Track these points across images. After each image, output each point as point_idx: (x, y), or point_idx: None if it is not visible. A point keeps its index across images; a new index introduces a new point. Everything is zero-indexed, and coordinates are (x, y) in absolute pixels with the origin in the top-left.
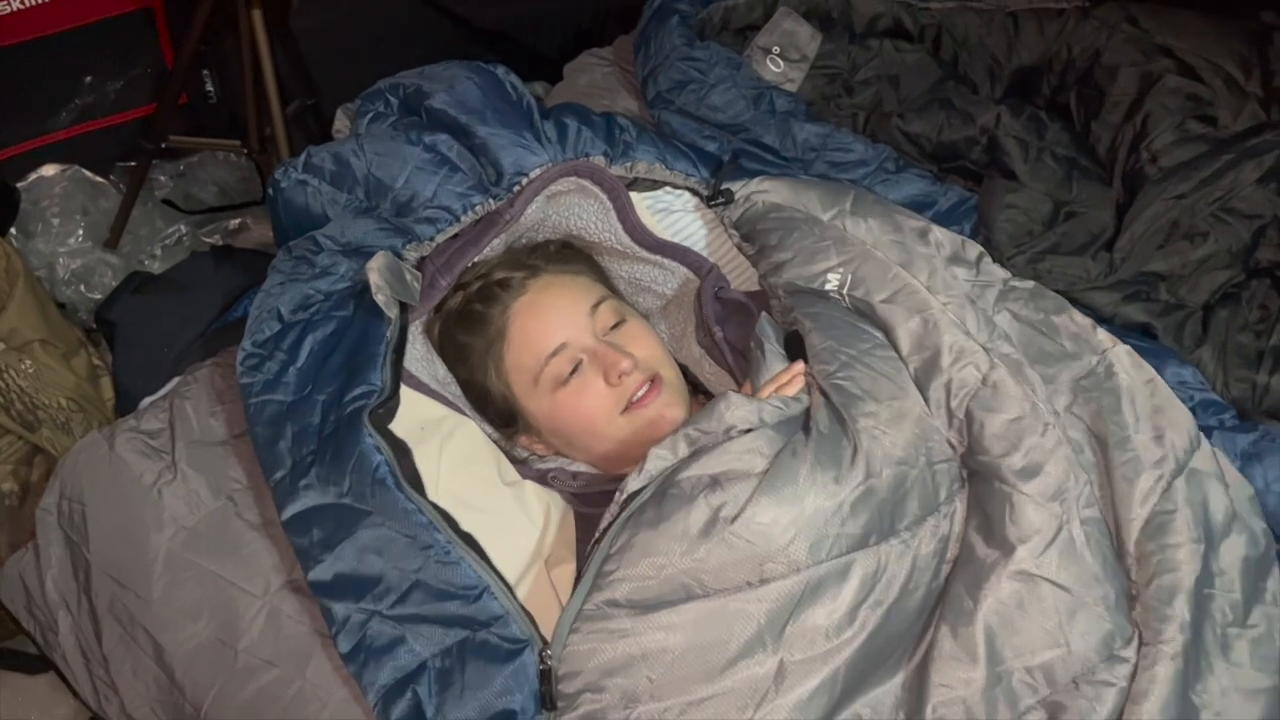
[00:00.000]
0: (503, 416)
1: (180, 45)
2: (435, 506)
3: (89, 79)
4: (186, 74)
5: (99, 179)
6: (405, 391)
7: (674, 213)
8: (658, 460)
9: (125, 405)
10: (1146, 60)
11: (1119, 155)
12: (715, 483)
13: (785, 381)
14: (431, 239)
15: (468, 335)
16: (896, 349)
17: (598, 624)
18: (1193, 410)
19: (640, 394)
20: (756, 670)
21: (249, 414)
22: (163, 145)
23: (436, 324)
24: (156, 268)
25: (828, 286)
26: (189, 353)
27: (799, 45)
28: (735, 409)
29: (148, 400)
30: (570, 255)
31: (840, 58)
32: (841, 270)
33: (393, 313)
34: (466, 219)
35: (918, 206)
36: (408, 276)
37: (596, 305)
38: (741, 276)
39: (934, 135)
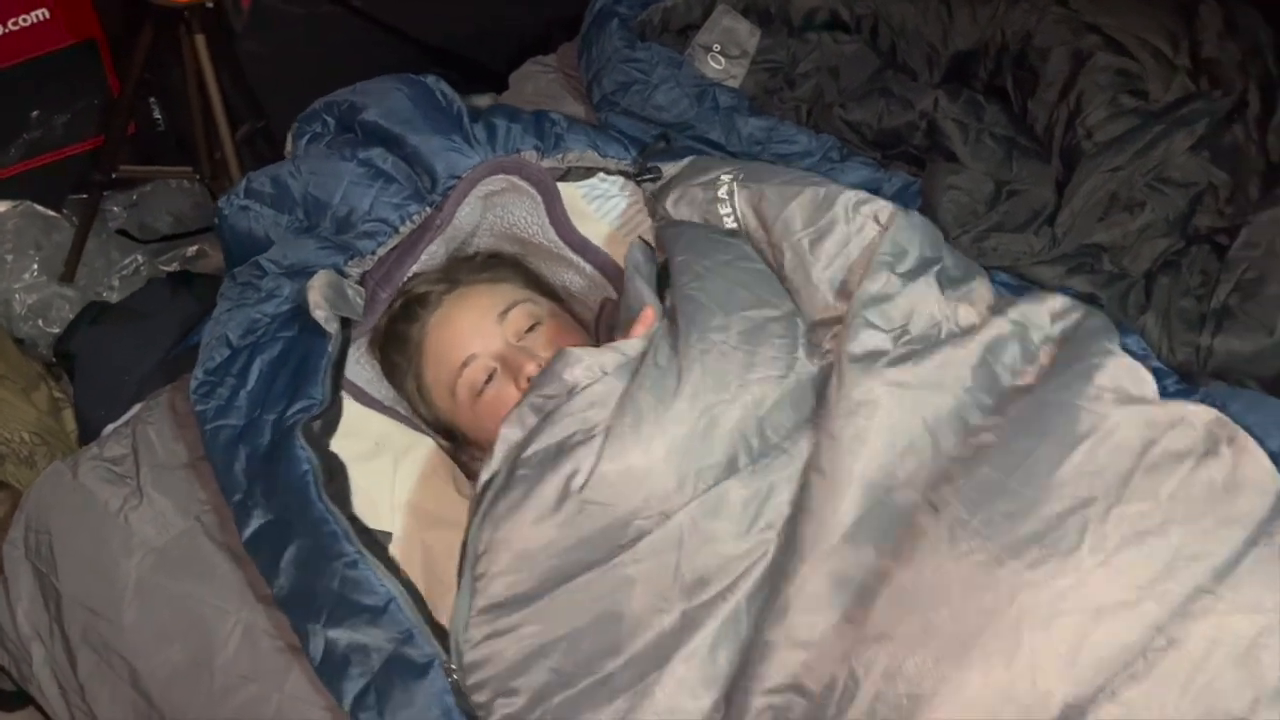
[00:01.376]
0: (442, 431)
1: (125, 75)
2: (353, 519)
3: (35, 114)
4: (132, 103)
5: (51, 213)
6: (360, 410)
7: (611, 198)
8: (504, 441)
9: (88, 436)
10: (1076, 39)
11: (1056, 133)
12: (560, 451)
13: (641, 323)
14: (373, 253)
15: (395, 354)
16: (786, 233)
17: (485, 629)
18: None
19: None
20: (661, 629)
21: (205, 441)
22: (113, 176)
23: (373, 338)
24: (114, 299)
25: (720, 189)
26: (149, 380)
27: (739, 42)
28: (572, 365)
29: (110, 427)
30: (494, 263)
31: (780, 52)
32: (732, 171)
33: (332, 328)
34: (405, 229)
35: None
36: (349, 292)
37: (507, 311)
38: None
39: (875, 123)
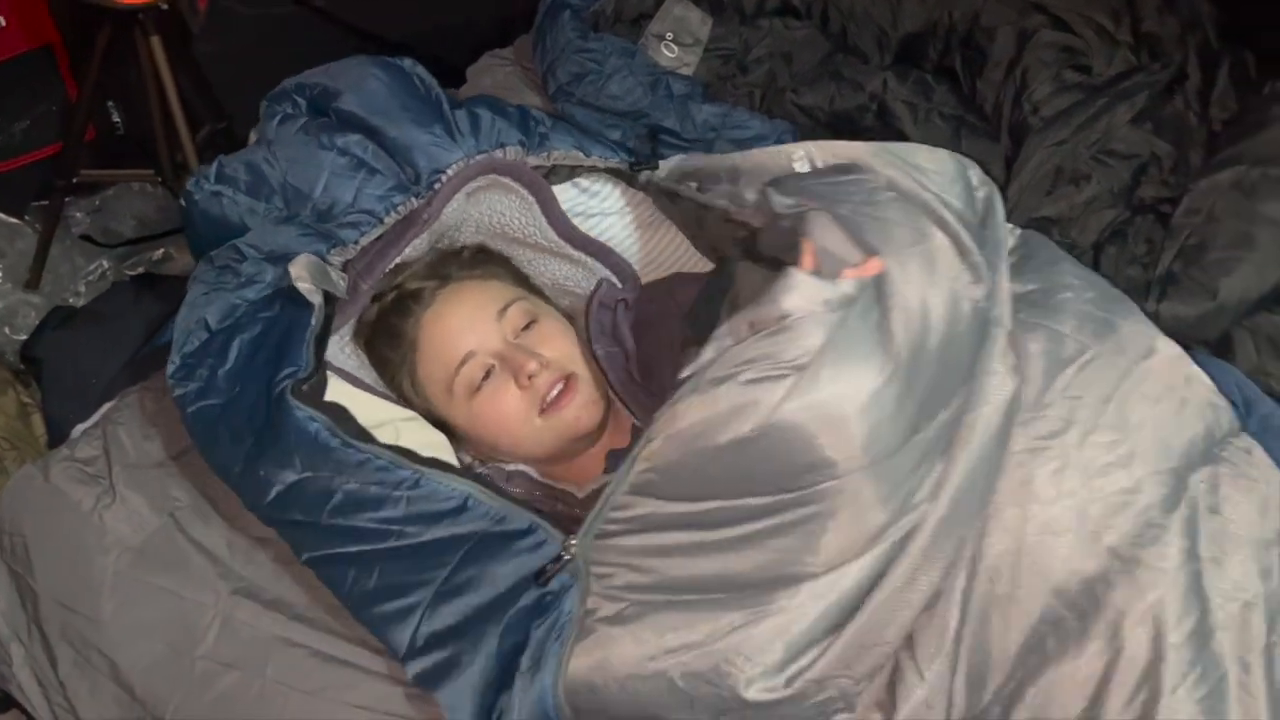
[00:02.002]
0: (434, 424)
1: (82, 79)
2: (390, 446)
3: None
4: (91, 107)
5: (13, 220)
6: (356, 393)
7: (592, 216)
8: (717, 343)
9: (57, 440)
10: (1021, 18)
11: (1004, 110)
12: (756, 378)
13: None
14: (355, 242)
15: (386, 349)
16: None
17: (633, 510)
18: None
19: (554, 394)
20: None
21: (188, 424)
22: (74, 181)
23: (362, 332)
24: (80, 304)
25: (796, 165)
26: (117, 382)
27: (691, 30)
28: (789, 290)
29: (79, 428)
30: (483, 259)
31: (732, 39)
32: (803, 149)
33: (316, 299)
34: (390, 219)
35: None
36: (333, 275)
37: (505, 308)
38: (666, 267)
39: (827, 106)
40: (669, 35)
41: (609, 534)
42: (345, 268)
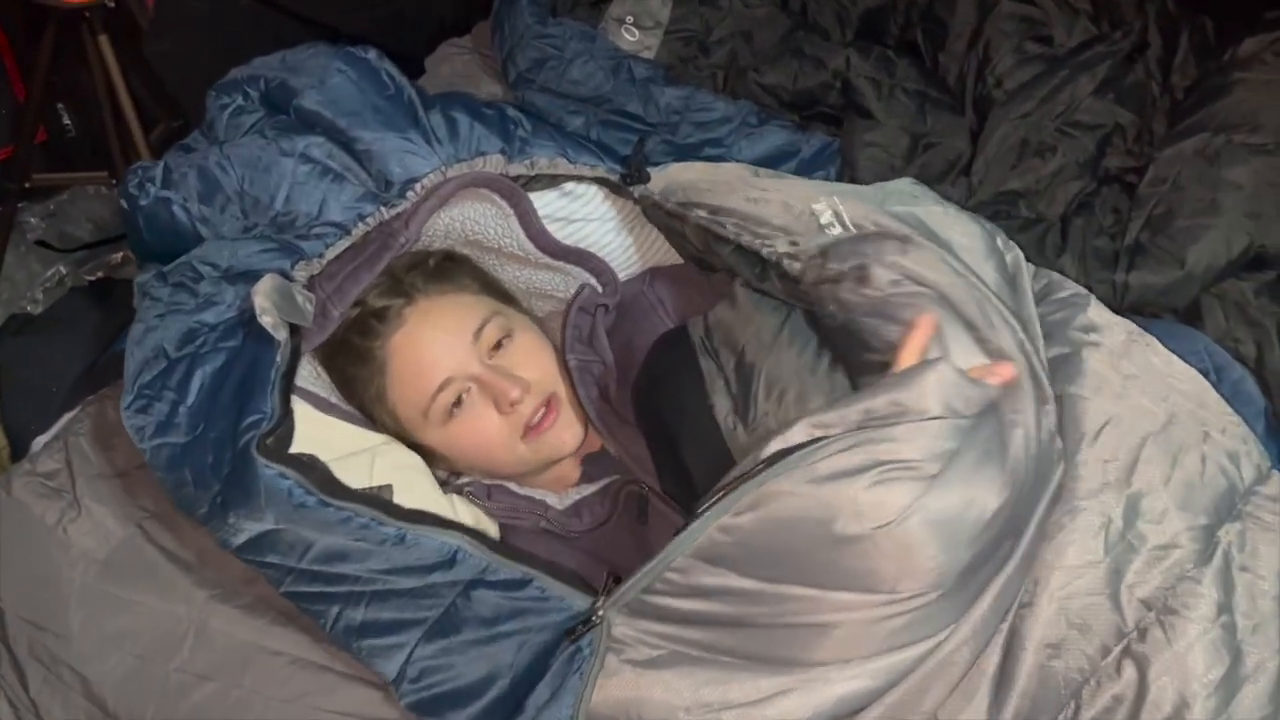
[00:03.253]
0: (405, 444)
1: (30, 81)
2: (369, 495)
3: None
4: (40, 109)
5: None
6: (327, 422)
7: (574, 221)
8: (810, 426)
9: (19, 448)
10: None
11: (967, 83)
12: (864, 468)
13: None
14: (321, 255)
15: (350, 367)
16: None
17: (692, 577)
18: None
19: (537, 418)
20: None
21: (148, 458)
22: (26, 185)
23: (322, 350)
24: (39, 311)
25: (821, 218)
26: (77, 389)
27: (651, 12)
28: (926, 391)
29: (40, 440)
30: (451, 270)
31: (693, 20)
32: (826, 202)
33: (281, 335)
34: (358, 231)
35: (783, 156)
36: (298, 298)
37: (480, 328)
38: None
39: (790, 84)
40: (629, 19)
41: (658, 591)
42: (311, 283)
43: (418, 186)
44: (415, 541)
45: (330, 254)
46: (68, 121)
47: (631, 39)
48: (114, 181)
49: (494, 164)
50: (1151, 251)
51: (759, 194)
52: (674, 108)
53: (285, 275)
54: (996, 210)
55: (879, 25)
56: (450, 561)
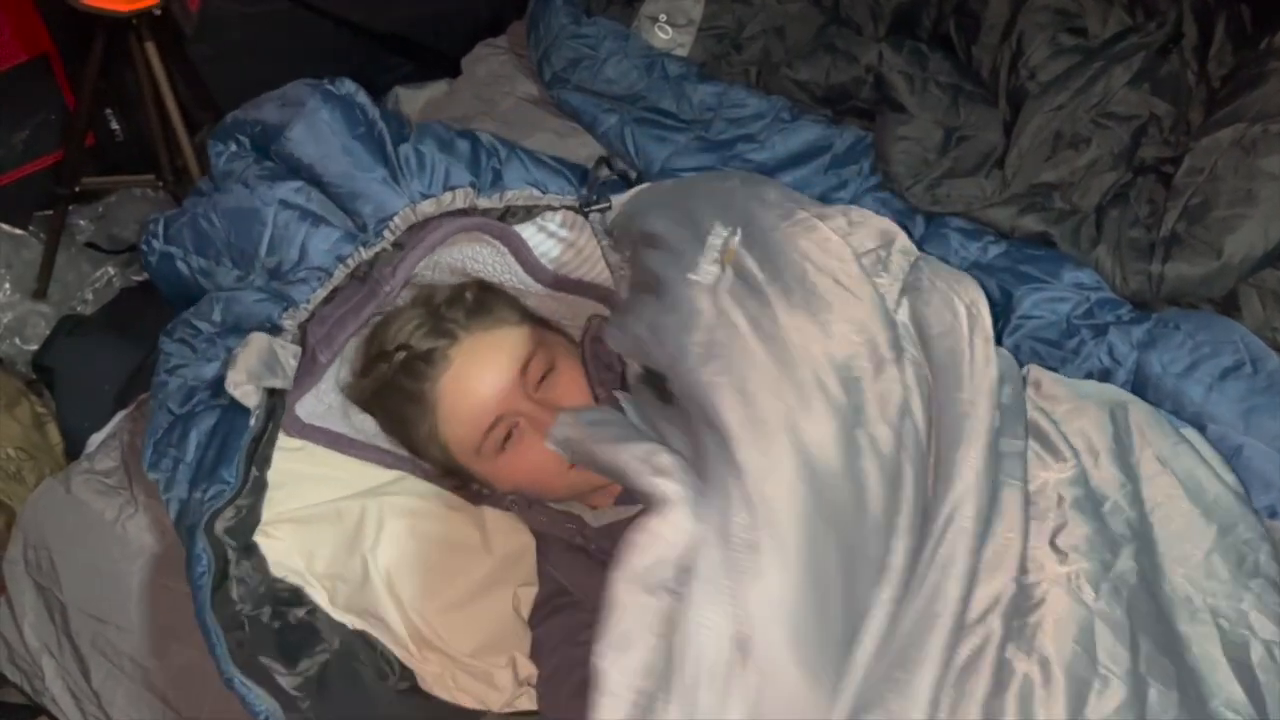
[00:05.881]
0: (448, 472)
1: (79, 87)
2: (244, 624)
3: None
4: (90, 114)
5: (18, 231)
6: (334, 458)
7: (553, 259)
8: None
9: (73, 447)
10: None
11: (1000, 76)
12: None
13: None
14: (307, 301)
15: (399, 409)
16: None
17: None
18: (1090, 310)
19: None
20: None
21: (167, 510)
22: (76, 189)
23: (365, 390)
24: (89, 311)
25: (711, 239)
26: (129, 388)
27: (684, 10)
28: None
29: (95, 437)
30: (489, 301)
31: (726, 17)
32: (729, 227)
33: (251, 403)
34: (339, 273)
35: (816, 151)
36: (281, 355)
37: (526, 363)
38: None
39: (822, 80)
40: (662, 17)
41: None
42: (302, 329)
43: (391, 224)
44: (241, 691)
45: (315, 299)
46: (115, 126)
47: (665, 37)
48: (160, 184)
49: (462, 197)
50: (1188, 242)
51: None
52: (707, 104)
53: (274, 324)
54: (1031, 202)
55: (911, 19)
56: None
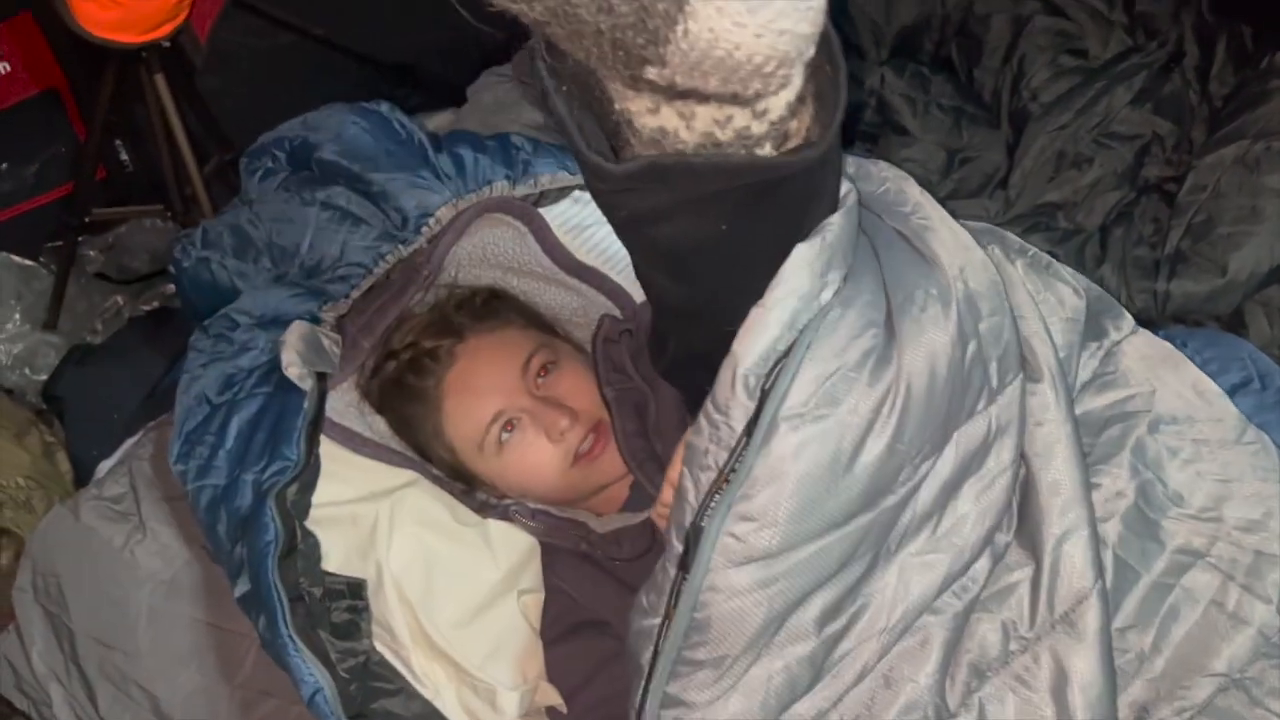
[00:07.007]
0: (455, 474)
1: (90, 120)
2: (302, 597)
3: (4, 165)
4: (99, 147)
5: (28, 262)
6: (348, 457)
7: (588, 227)
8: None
9: (83, 476)
10: (1015, 5)
11: (1002, 98)
12: None
13: None
14: (347, 296)
15: (405, 407)
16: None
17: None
18: None
19: (586, 445)
20: None
21: (190, 501)
22: (86, 220)
23: (374, 390)
24: (99, 341)
25: None
26: (138, 416)
27: None
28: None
29: (105, 464)
30: (497, 306)
31: None
32: None
33: (307, 385)
34: (379, 269)
35: None
36: (325, 343)
37: (528, 360)
38: None
39: None
40: None
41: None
42: (339, 323)
43: (431, 220)
44: (293, 658)
45: (355, 294)
46: (125, 157)
47: None
48: (169, 214)
49: (500, 190)
50: (1192, 259)
51: None
52: None
53: (314, 318)
54: (1035, 222)
55: (914, 43)
56: (310, 700)
